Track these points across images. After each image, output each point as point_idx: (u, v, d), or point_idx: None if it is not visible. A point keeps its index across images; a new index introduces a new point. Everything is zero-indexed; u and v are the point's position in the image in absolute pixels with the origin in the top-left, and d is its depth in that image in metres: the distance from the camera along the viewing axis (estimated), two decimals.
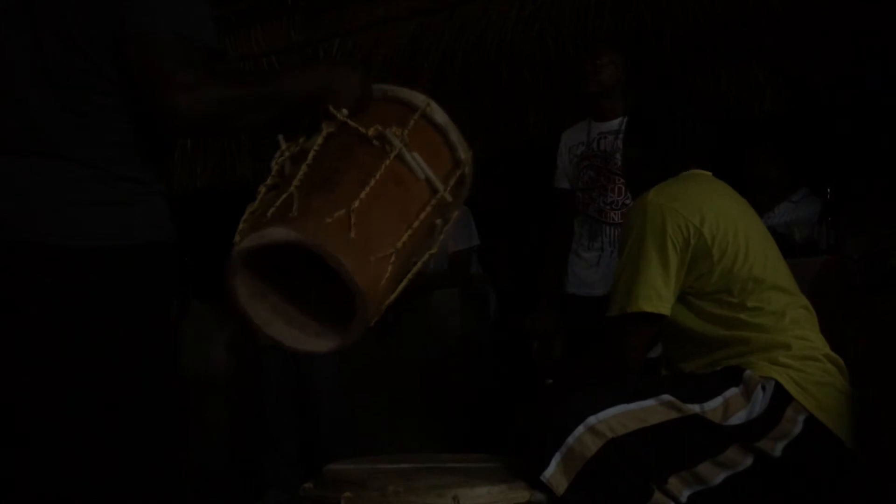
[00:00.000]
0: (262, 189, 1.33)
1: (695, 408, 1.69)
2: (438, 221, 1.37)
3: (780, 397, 1.73)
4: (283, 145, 1.38)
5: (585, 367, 1.99)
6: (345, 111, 1.35)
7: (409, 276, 1.34)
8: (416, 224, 1.31)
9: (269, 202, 1.27)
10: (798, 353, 1.79)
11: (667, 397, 1.68)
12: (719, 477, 1.67)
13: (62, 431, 1.37)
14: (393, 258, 1.26)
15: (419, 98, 1.41)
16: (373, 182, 1.26)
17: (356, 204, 1.23)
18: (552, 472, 1.61)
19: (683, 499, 1.66)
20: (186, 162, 4.62)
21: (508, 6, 3.92)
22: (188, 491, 1.53)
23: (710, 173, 1.99)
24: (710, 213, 1.83)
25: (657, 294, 1.79)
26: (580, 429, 1.62)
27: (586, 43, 3.50)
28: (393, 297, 1.30)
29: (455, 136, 1.42)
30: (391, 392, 3.78)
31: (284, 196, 1.24)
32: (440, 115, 1.41)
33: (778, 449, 1.70)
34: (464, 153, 1.43)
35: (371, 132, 1.32)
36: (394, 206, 1.31)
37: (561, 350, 2.98)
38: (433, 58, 4.06)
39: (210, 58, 1.40)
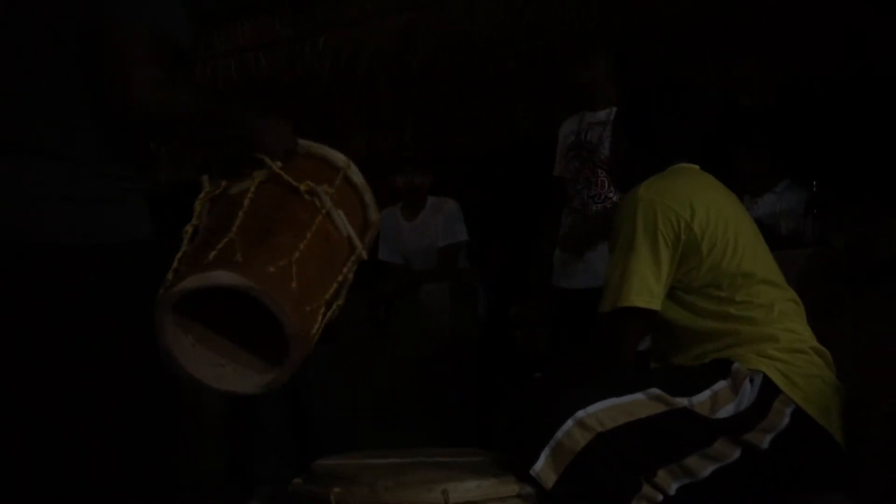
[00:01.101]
0: (189, 229, 1.36)
1: (683, 401, 1.69)
2: (350, 276, 1.45)
3: (768, 390, 1.73)
4: (207, 186, 1.41)
5: (577, 361, 1.99)
6: (278, 162, 1.40)
7: (321, 325, 1.39)
8: (340, 278, 1.40)
9: (203, 245, 1.30)
10: (786, 346, 1.79)
11: (655, 391, 1.68)
12: (707, 470, 1.67)
13: (59, 430, 1.37)
14: (322, 309, 1.34)
15: (340, 158, 1.47)
16: (308, 235, 1.32)
17: (296, 255, 1.28)
18: (541, 465, 1.61)
19: (672, 492, 1.66)
20: (175, 156, 4.60)
21: (497, 0, 3.92)
22: (184, 488, 1.54)
23: (698, 167, 2.00)
24: (701, 207, 1.83)
25: (649, 289, 1.79)
26: (569, 423, 1.62)
27: (575, 37, 3.50)
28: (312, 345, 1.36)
29: (369, 197, 1.50)
30: (381, 387, 3.78)
31: (225, 241, 1.27)
32: (358, 177, 1.49)
33: (766, 441, 1.70)
34: (374, 214, 1.51)
35: (303, 187, 1.38)
36: (323, 260, 1.37)
37: (544, 339, 3.00)
38: (422, 52, 4.06)
39: (181, 61, 1.43)
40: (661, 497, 1.66)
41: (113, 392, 1.39)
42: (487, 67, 3.94)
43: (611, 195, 2.93)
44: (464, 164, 4.48)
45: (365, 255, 1.44)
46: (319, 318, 1.33)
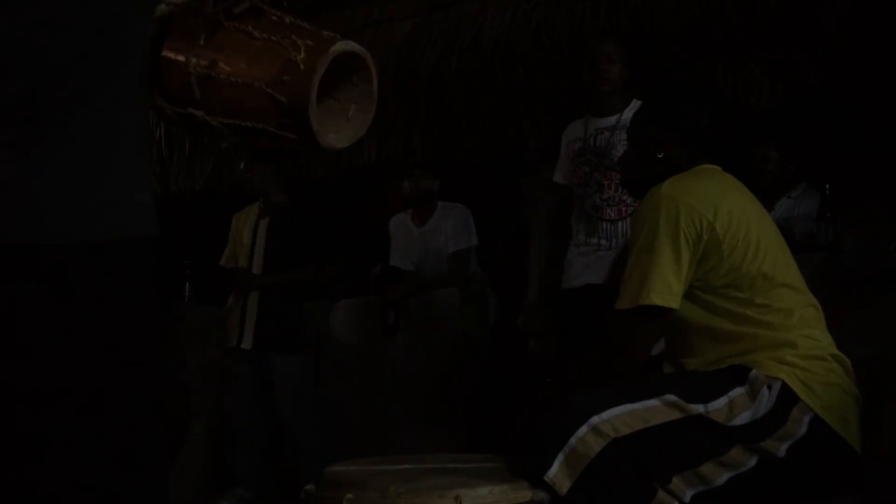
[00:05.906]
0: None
1: (699, 408, 1.68)
2: None
3: (786, 398, 1.71)
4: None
5: (592, 360, 1.97)
6: None
7: None
8: None
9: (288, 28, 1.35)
10: (804, 353, 1.77)
11: (671, 397, 1.67)
12: (723, 477, 1.66)
13: (53, 432, 1.37)
14: None
15: None
16: None
17: None
18: (555, 471, 1.60)
19: (687, 499, 1.65)
20: (184, 163, 4.61)
21: (504, 5, 3.93)
22: (173, 491, 1.54)
23: (719, 168, 1.99)
24: (723, 208, 1.81)
25: (669, 288, 1.77)
26: (583, 429, 1.61)
27: (582, 42, 3.50)
28: None
29: None
30: (392, 391, 3.78)
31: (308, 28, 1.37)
32: None
33: (782, 449, 1.69)
34: None
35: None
36: None
37: (556, 346, 2.98)
38: (429, 58, 4.07)
39: None
40: None
41: (107, 395, 1.39)
42: (494, 73, 3.94)
43: (624, 198, 2.92)
44: (471, 168, 4.48)
45: None
46: None
